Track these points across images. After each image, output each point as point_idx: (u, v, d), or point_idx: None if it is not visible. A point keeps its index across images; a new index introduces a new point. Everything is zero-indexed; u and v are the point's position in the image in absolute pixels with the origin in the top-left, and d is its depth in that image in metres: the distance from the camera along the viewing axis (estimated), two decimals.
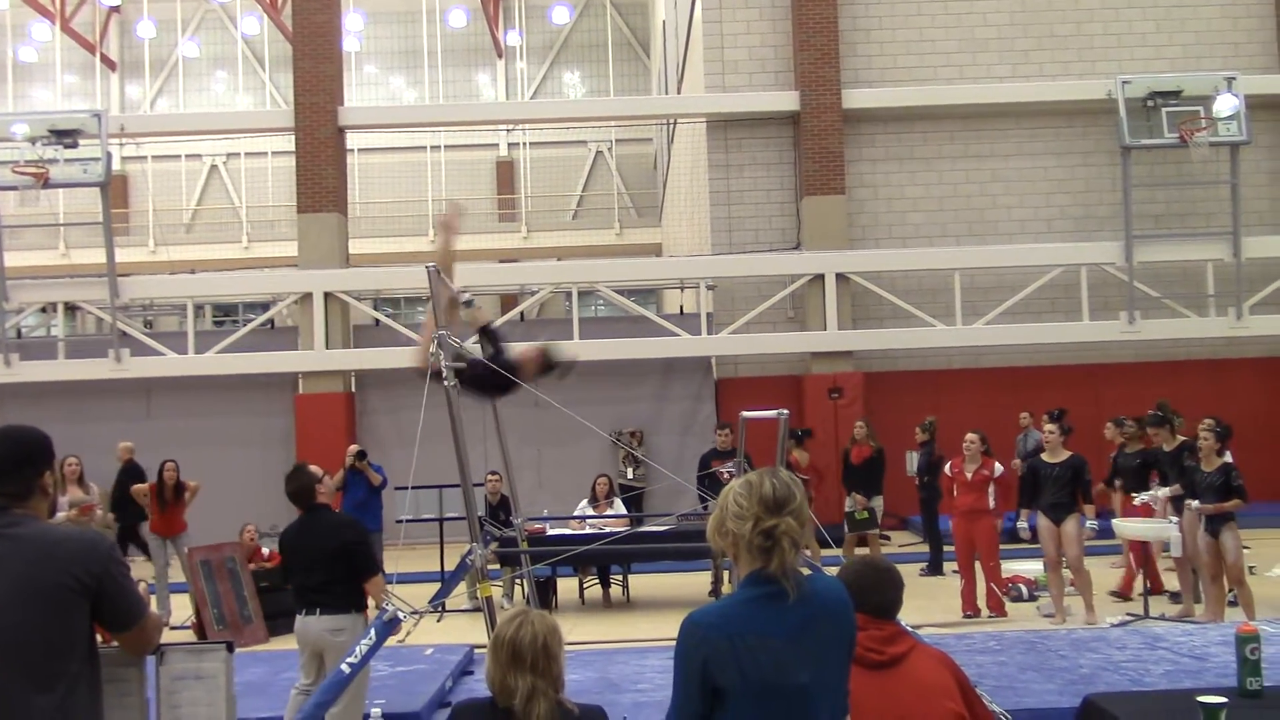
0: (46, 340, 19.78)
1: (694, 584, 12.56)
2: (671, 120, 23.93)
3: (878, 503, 13.59)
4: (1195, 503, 9.90)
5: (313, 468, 6.93)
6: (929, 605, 11.09)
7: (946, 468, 11.40)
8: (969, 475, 10.86)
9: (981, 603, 10.87)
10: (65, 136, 16.52)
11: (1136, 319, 17.38)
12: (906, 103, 18.15)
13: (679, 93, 23.47)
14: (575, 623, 10.80)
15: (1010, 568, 11.76)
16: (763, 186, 18.33)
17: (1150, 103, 16.96)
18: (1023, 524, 10.79)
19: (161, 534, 12.41)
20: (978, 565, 10.92)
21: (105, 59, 33.62)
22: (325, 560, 6.51)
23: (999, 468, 11.02)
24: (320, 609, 6.51)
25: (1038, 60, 18.43)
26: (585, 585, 12.81)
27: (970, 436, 11.02)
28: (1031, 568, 12.04)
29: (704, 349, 17.99)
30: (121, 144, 27.66)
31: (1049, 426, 10.72)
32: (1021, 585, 11.68)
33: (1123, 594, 11.48)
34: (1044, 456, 10.56)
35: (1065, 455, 10.43)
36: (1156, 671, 7.19)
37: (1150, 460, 11.36)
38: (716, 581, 11.80)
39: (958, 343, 17.66)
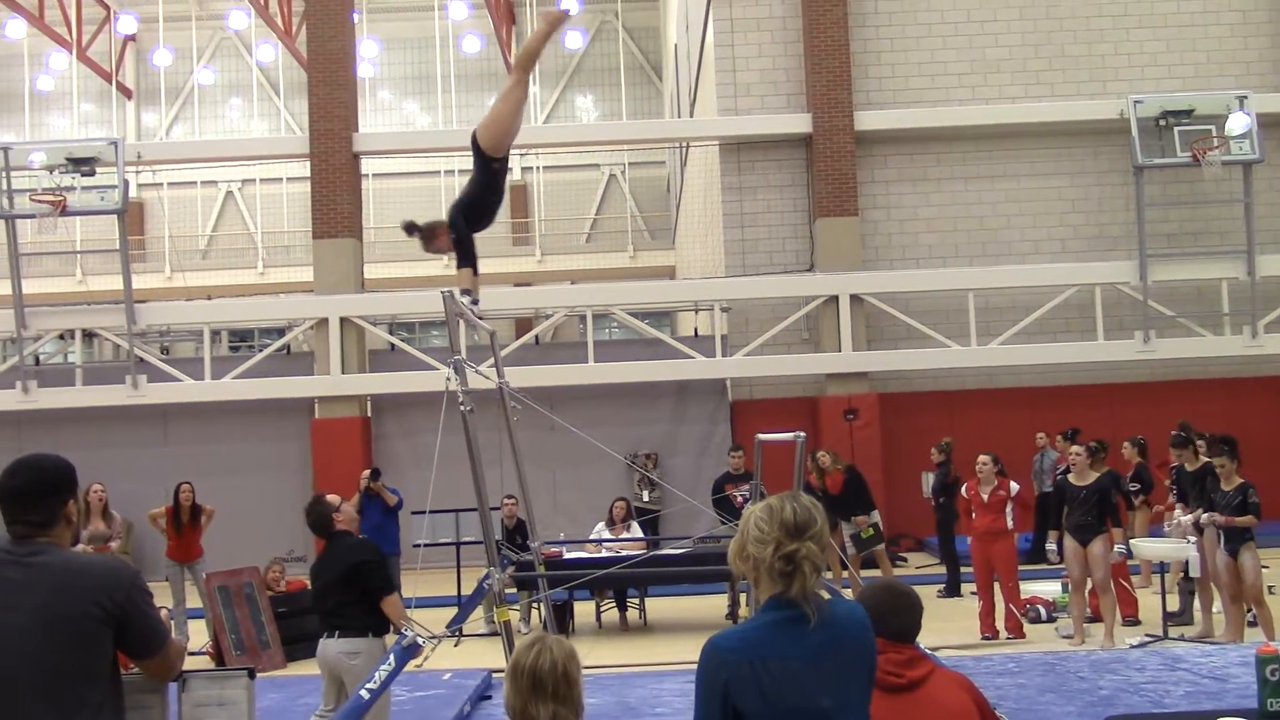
0: (64, 367, 19.86)
1: (711, 607, 12.54)
2: (684, 143, 24.02)
3: (876, 517, 13.54)
4: (1205, 515, 9.89)
5: (330, 497, 7.00)
6: (947, 627, 11.03)
7: (963, 489, 11.36)
8: (985, 497, 10.84)
9: (1000, 624, 10.83)
10: (82, 164, 16.66)
11: (1151, 338, 17.32)
12: (919, 124, 18.15)
13: (691, 116, 23.56)
14: (592, 647, 10.78)
15: (1029, 589, 11.70)
16: (776, 209, 18.35)
17: (1162, 122, 16.96)
18: (1051, 546, 10.73)
19: (179, 560, 12.40)
20: (996, 586, 10.89)
21: (121, 87, 33.89)
22: (339, 582, 6.55)
23: (1015, 487, 10.99)
24: (338, 631, 6.53)
25: (1050, 81, 18.43)
26: (602, 609, 12.77)
27: (983, 458, 10.99)
28: (1049, 589, 11.99)
29: (719, 371, 17.98)
30: (138, 171, 27.87)
31: (1075, 449, 10.66)
32: (1040, 606, 11.62)
33: (1131, 616, 11.36)
34: (1071, 478, 10.51)
35: (1093, 477, 10.38)
36: (1176, 693, 7.15)
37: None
38: (734, 605, 11.78)
39: (972, 363, 17.61)
